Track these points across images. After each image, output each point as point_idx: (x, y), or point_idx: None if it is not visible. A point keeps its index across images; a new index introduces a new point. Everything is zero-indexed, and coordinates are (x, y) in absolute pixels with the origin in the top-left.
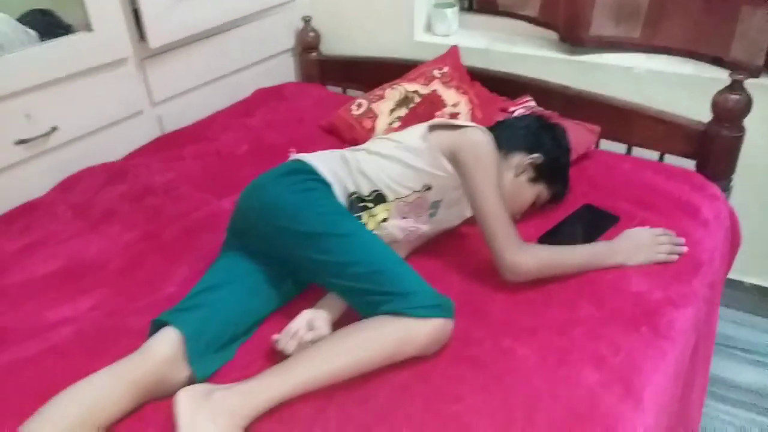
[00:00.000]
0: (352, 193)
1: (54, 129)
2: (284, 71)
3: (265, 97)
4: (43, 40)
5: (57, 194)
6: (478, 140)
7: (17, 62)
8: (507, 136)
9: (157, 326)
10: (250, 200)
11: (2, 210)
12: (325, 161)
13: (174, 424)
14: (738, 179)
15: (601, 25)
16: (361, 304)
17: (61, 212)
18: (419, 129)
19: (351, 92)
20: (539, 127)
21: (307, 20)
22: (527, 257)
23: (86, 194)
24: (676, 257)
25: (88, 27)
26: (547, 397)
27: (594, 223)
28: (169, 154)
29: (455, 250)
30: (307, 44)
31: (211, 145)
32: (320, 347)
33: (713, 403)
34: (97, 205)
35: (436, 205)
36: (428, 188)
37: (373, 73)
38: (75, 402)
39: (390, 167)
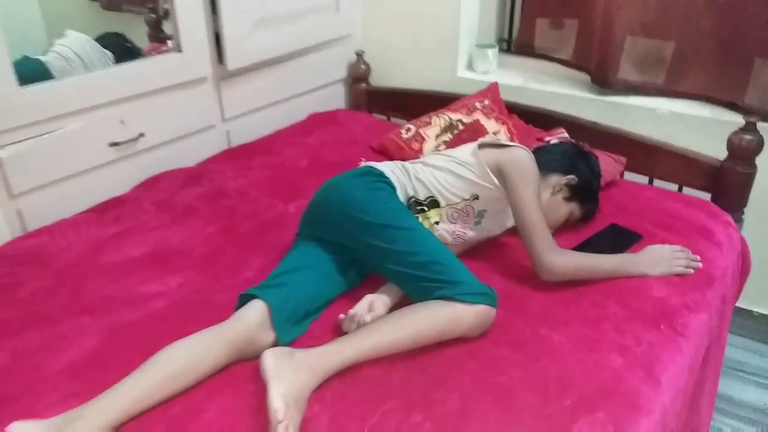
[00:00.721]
0: (411, 197)
1: (141, 135)
2: (335, 99)
3: (319, 120)
4: (117, 61)
5: (141, 191)
6: (522, 157)
7: (118, 74)
8: (546, 159)
9: (243, 301)
10: (327, 194)
11: (95, 202)
12: (390, 168)
13: (263, 377)
14: (750, 213)
15: (628, 71)
16: (416, 289)
17: (146, 207)
18: (470, 146)
19: (395, 120)
20: (575, 153)
21: (359, 54)
22: (563, 259)
23: (167, 193)
24: (692, 271)
25: (178, 48)
26: (579, 376)
27: (620, 240)
28: (239, 164)
29: (498, 255)
30: (358, 75)
31: (275, 158)
32: (385, 321)
33: (721, 417)
34: (178, 202)
35: (481, 214)
36: (476, 197)
37: (416, 104)
38: (178, 354)
39: (443, 177)
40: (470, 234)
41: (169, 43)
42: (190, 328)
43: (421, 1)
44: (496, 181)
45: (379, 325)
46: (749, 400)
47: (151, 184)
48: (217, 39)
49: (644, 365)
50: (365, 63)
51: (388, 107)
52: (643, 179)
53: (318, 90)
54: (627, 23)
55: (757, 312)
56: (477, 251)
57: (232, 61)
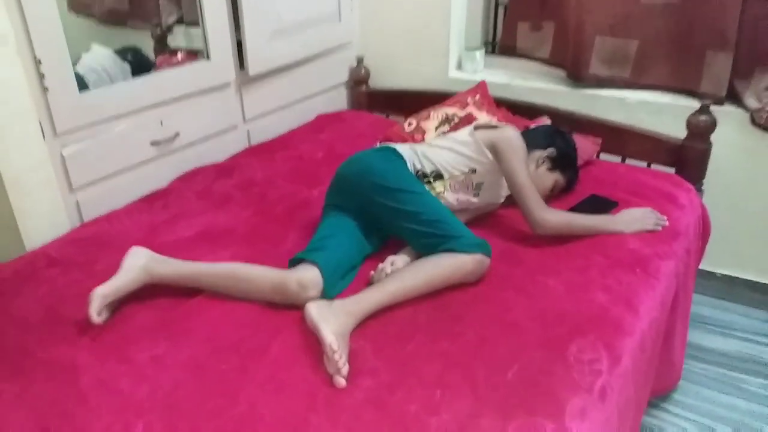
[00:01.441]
0: (418, 170)
1: (177, 134)
2: (339, 100)
3: (326, 120)
4: (133, 73)
5: (179, 184)
6: (511, 134)
7: (158, 80)
8: (529, 139)
9: (291, 264)
10: (350, 166)
11: (140, 194)
12: (401, 147)
13: (310, 323)
14: (708, 184)
15: (598, 67)
16: (425, 245)
17: (188, 196)
18: (467, 128)
19: (393, 117)
20: (552, 131)
21: (359, 59)
22: (552, 215)
23: (204, 184)
24: (660, 228)
25: (207, 56)
26: (571, 309)
27: (599, 206)
28: (263, 158)
29: (497, 223)
30: (358, 79)
31: (294, 152)
32: (403, 270)
33: (692, 361)
34: (215, 191)
35: (479, 186)
36: (473, 171)
37: (412, 102)
38: (244, 268)
39: (446, 154)
40: (474, 201)
41: (179, 54)
42: None
43: (414, 10)
44: (489, 156)
45: (399, 273)
46: (715, 347)
47: (188, 177)
48: (239, 48)
49: (625, 300)
50: (365, 67)
51: (387, 106)
52: (616, 159)
53: (323, 93)
54: (596, 24)
55: (719, 273)
56: (481, 221)
57: (253, 68)
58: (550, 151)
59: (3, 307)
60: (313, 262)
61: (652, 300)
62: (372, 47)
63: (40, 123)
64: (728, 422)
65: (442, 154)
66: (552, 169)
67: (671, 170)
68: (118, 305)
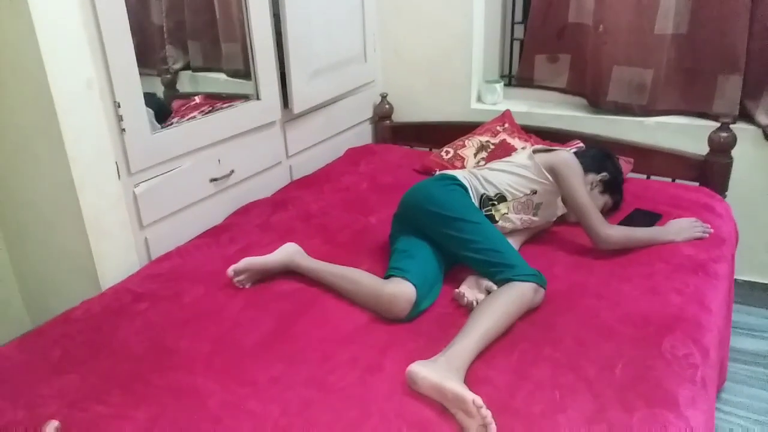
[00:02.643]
0: (483, 194)
1: (232, 171)
2: (365, 135)
3: (358, 153)
4: (157, 119)
5: (239, 218)
6: (569, 157)
7: (216, 121)
8: (581, 162)
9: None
10: (414, 195)
11: (200, 230)
12: (461, 174)
13: (427, 384)
14: (730, 196)
15: (616, 94)
16: (483, 273)
17: (250, 229)
18: (526, 152)
19: (417, 149)
20: (603, 155)
21: (383, 96)
22: (614, 231)
23: (262, 217)
24: (707, 235)
25: (258, 97)
26: (652, 311)
27: (646, 220)
28: (312, 191)
29: (557, 239)
30: (383, 114)
31: (340, 184)
32: (480, 311)
33: (730, 362)
34: (276, 224)
35: (538, 206)
36: (534, 192)
37: (435, 134)
38: (359, 275)
39: (508, 177)
40: (534, 219)
41: (197, 98)
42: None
43: (434, 47)
44: (549, 177)
45: (478, 316)
46: (747, 348)
47: (244, 212)
48: (284, 87)
49: (697, 300)
50: (389, 103)
51: (411, 138)
52: (642, 176)
53: (351, 129)
54: (612, 55)
55: (741, 279)
56: (541, 238)
57: (297, 106)
58: (603, 175)
59: (105, 341)
60: (404, 277)
61: (718, 299)
62: (394, 84)
63: (116, 163)
64: None
65: (504, 177)
66: (603, 191)
67: (695, 185)
68: (258, 283)
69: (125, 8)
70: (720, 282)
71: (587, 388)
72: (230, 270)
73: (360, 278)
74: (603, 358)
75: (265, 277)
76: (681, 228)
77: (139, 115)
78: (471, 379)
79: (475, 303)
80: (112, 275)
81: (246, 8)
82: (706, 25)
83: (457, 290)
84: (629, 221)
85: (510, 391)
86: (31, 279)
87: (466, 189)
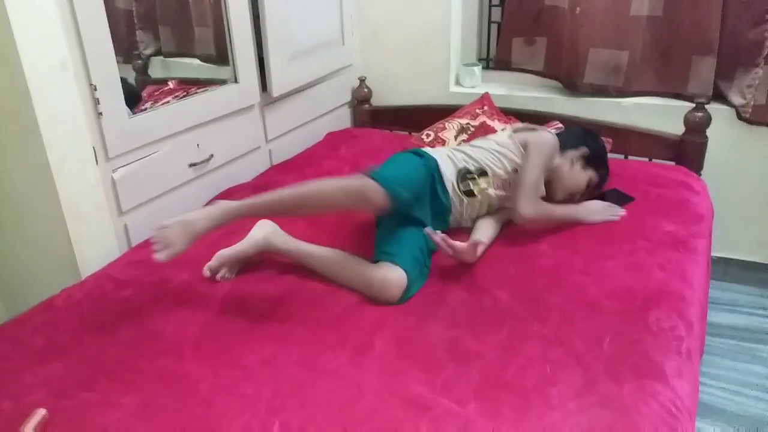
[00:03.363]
0: (462, 168)
1: (211, 156)
2: (344, 119)
3: (338, 138)
4: (126, 103)
5: None
6: (545, 136)
7: (194, 105)
8: (562, 141)
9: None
10: None
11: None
12: (435, 150)
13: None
14: (704, 174)
15: (592, 76)
16: None
17: None
18: (506, 132)
19: (397, 132)
20: (583, 133)
21: (362, 79)
22: (528, 207)
23: None
24: (618, 218)
25: (236, 80)
26: (637, 286)
27: (620, 199)
28: (293, 175)
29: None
30: (361, 98)
31: (322, 168)
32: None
33: (708, 336)
34: None
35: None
36: (515, 171)
37: (416, 117)
38: (343, 263)
39: (490, 155)
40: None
41: (170, 83)
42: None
43: (413, 31)
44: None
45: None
46: (725, 322)
47: (224, 196)
48: (262, 70)
49: (679, 275)
50: (367, 87)
51: (390, 122)
52: (619, 156)
53: (330, 113)
54: (589, 38)
55: (715, 256)
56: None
57: (276, 89)
58: (583, 150)
59: (88, 328)
60: (394, 262)
61: (699, 274)
62: (373, 68)
63: (93, 147)
64: (752, 386)
65: (487, 155)
66: (585, 166)
67: (671, 164)
68: (239, 271)
69: None
70: (700, 257)
71: (577, 362)
72: (205, 270)
73: (346, 263)
74: (591, 333)
75: (247, 264)
76: (595, 210)
77: (117, 98)
78: (461, 354)
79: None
80: (92, 262)
81: None
82: (680, 8)
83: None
84: (602, 198)
85: (501, 366)
86: (5, 268)
87: (427, 159)
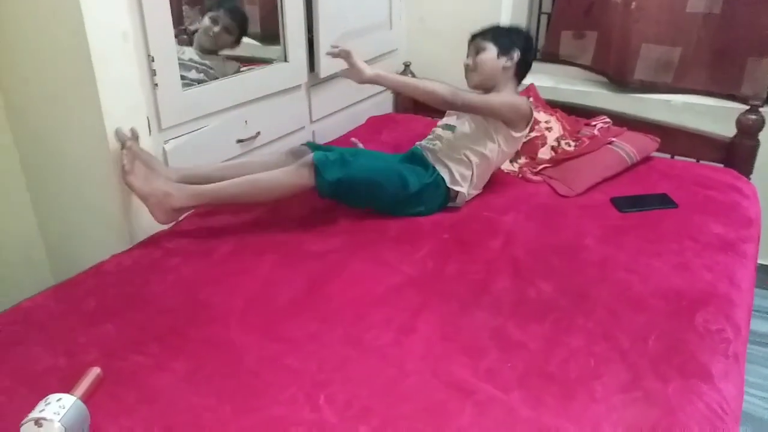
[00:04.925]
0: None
1: (258, 133)
2: (385, 105)
3: (379, 122)
4: None
5: None
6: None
7: (245, 81)
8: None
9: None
10: None
11: None
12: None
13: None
14: (754, 179)
15: (643, 72)
16: None
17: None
18: None
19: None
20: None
21: (407, 64)
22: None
23: None
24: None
25: (285, 59)
26: (684, 286)
27: (657, 202)
28: None
29: (594, 215)
30: None
31: None
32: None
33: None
34: None
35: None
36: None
37: None
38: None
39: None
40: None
41: None
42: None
43: (462, 18)
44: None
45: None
46: (759, 329)
47: None
48: (311, 50)
49: (727, 277)
50: (412, 72)
51: (432, 109)
52: (666, 156)
53: (373, 97)
54: (642, 33)
55: (760, 263)
56: (573, 213)
57: (324, 70)
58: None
59: (137, 294)
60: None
61: (747, 277)
62: (418, 53)
63: (147, 118)
64: None
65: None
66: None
67: (719, 166)
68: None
69: None
70: (748, 261)
71: (621, 358)
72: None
73: (260, 176)
74: (636, 330)
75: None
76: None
77: (172, 70)
78: (505, 342)
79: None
80: (142, 231)
81: None
82: (739, 7)
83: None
84: (642, 202)
85: (544, 357)
86: (55, 230)
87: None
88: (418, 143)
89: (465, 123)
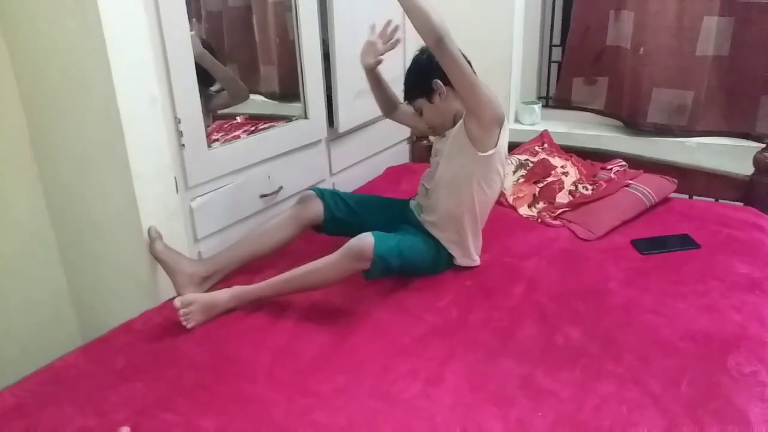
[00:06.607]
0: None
1: (281, 188)
2: (401, 155)
3: (398, 172)
4: None
5: None
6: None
7: (267, 139)
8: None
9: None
10: None
11: None
12: None
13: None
14: None
15: (655, 116)
16: None
17: (298, 243)
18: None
19: None
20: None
21: None
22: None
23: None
24: None
25: (306, 116)
26: (712, 328)
27: (678, 243)
28: None
29: (614, 257)
30: (420, 134)
31: None
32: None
33: None
34: (324, 238)
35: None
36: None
37: None
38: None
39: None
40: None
41: (238, 118)
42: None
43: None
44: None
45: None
46: None
47: None
48: (330, 107)
49: (757, 318)
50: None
51: None
52: (684, 196)
53: (390, 148)
54: (652, 78)
55: None
56: (595, 257)
57: (342, 125)
58: (436, 83)
59: (167, 350)
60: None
61: None
62: None
63: (175, 178)
64: None
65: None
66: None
67: (739, 205)
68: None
69: (188, 26)
70: None
71: (654, 404)
72: (176, 301)
73: (316, 263)
74: (667, 374)
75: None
76: None
77: (198, 130)
78: (534, 391)
79: None
80: (170, 287)
81: (298, 33)
82: (747, 48)
83: None
84: (671, 239)
85: (576, 405)
86: (85, 288)
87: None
88: (411, 203)
89: (441, 174)
